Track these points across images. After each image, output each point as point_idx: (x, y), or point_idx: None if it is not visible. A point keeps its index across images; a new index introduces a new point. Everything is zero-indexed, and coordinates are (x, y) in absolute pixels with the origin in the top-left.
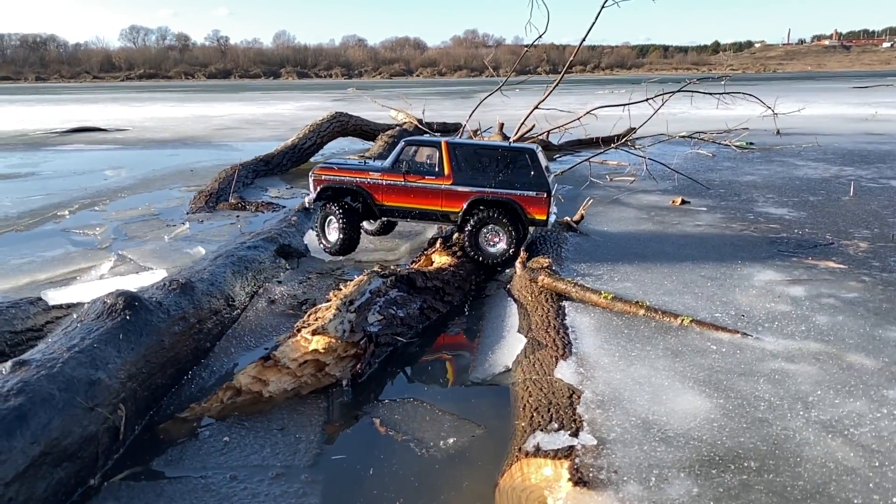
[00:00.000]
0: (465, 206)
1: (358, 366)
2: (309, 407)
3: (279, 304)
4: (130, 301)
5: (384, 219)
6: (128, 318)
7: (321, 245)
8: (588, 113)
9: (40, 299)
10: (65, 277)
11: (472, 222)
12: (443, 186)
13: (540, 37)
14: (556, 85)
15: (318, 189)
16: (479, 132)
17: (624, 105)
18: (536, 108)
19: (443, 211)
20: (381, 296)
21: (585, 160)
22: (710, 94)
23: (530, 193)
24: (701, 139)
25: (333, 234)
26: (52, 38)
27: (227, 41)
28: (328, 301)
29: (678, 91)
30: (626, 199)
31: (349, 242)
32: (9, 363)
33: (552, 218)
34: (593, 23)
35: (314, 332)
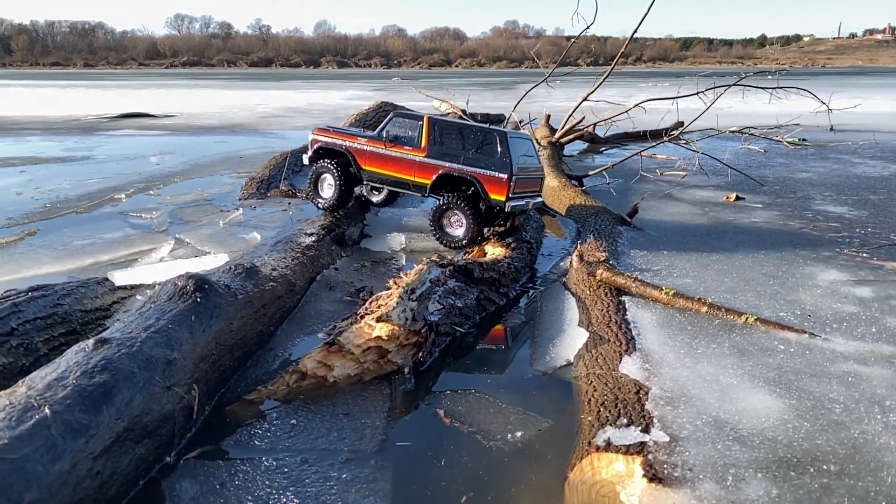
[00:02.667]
0: (433, 178)
1: (419, 354)
2: (372, 393)
3: (337, 291)
4: (201, 284)
5: (369, 184)
6: (198, 300)
7: (315, 202)
8: (637, 106)
9: (107, 279)
10: (126, 259)
11: (435, 207)
12: (417, 158)
13: (587, 28)
14: (606, 77)
15: (314, 149)
16: (522, 123)
17: (673, 98)
18: (585, 100)
19: (415, 181)
20: (440, 285)
21: (635, 154)
22: (764, 88)
23: (492, 173)
24: (752, 135)
25: (327, 191)
26: (101, 25)
27: (269, 30)
28: (388, 289)
29: (734, 84)
30: (679, 193)
31: (341, 198)
32: (91, 341)
33: (518, 203)
34: (644, 15)
35: (378, 320)
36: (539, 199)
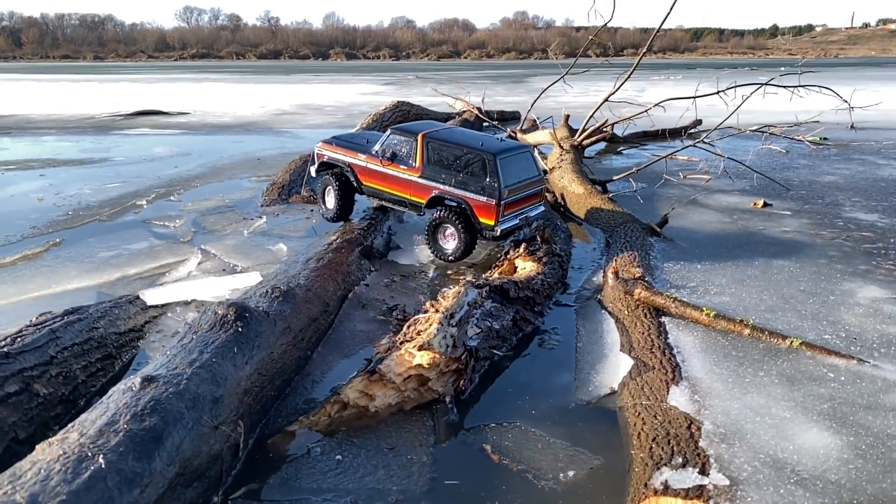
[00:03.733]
0: (427, 199)
1: (461, 382)
2: (415, 425)
3: (369, 309)
4: (241, 312)
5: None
6: (240, 329)
7: (322, 210)
8: (657, 105)
9: (138, 298)
10: (153, 273)
11: (430, 220)
12: (412, 178)
13: (605, 24)
14: (628, 77)
15: (319, 162)
16: (538, 122)
17: (694, 98)
18: (606, 100)
19: (412, 200)
20: (477, 308)
21: (662, 158)
22: (785, 87)
23: (481, 199)
24: (772, 133)
25: (331, 202)
26: (110, 17)
27: (278, 22)
28: (424, 311)
29: (762, 86)
30: (704, 199)
31: (344, 210)
32: (138, 379)
33: (511, 223)
34: (670, 9)
35: (420, 348)
36: (540, 210)
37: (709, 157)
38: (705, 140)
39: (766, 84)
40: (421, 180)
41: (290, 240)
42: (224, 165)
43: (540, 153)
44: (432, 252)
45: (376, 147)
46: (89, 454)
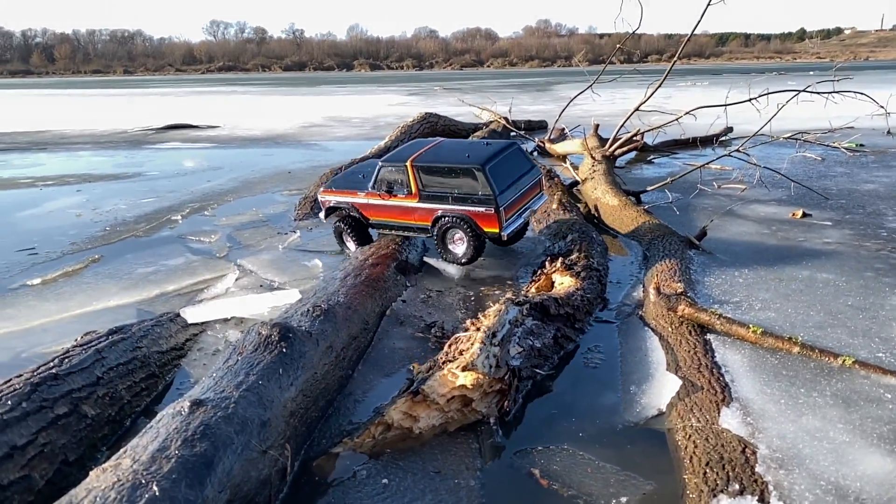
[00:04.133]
0: (431, 221)
1: (505, 403)
2: (460, 447)
3: (407, 326)
4: (285, 333)
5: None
6: (284, 350)
7: (344, 249)
8: (688, 113)
9: (178, 316)
10: (191, 289)
11: (439, 224)
12: (412, 204)
13: (633, 32)
14: (660, 85)
15: (325, 210)
16: (567, 132)
17: (725, 105)
18: (637, 109)
19: (418, 225)
20: (518, 326)
21: (696, 168)
22: (820, 93)
23: (481, 209)
24: (805, 140)
25: (351, 244)
26: (139, 32)
27: (303, 34)
28: (465, 330)
29: (799, 92)
30: (741, 210)
31: (364, 244)
32: (186, 403)
33: (517, 223)
34: (700, 19)
35: (464, 369)
36: (542, 200)
37: (742, 165)
38: (741, 149)
39: (802, 91)
40: (421, 205)
41: (324, 255)
42: (255, 179)
43: (571, 164)
44: (443, 257)
45: (371, 182)
46: (143, 481)
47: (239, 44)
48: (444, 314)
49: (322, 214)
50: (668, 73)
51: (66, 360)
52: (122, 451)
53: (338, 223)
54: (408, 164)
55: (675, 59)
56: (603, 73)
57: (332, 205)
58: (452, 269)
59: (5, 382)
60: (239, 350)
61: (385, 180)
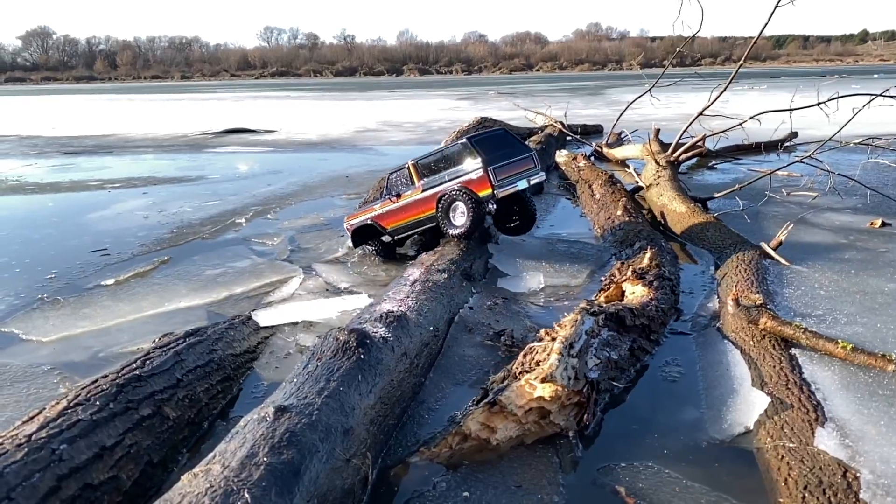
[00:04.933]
0: (434, 205)
1: (585, 416)
2: (539, 460)
3: (476, 334)
4: (362, 339)
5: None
6: (362, 357)
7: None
8: (753, 118)
9: (250, 319)
10: (258, 292)
11: (444, 202)
12: (417, 196)
13: (693, 36)
14: (725, 89)
15: (351, 234)
16: (625, 136)
17: (791, 110)
18: (701, 114)
19: (425, 216)
20: (594, 336)
21: (766, 174)
22: (893, 97)
23: (472, 176)
24: (877, 146)
25: (377, 253)
26: (196, 39)
27: (354, 39)
28: (539, 340)
29: (876, 97)
30: (814, 218)
31: (388, 253)
32: (271, 409)
33: (510, 186)
34: (768, 20)
35: (543, 380)
36: (539, 175)
37: (811, 172)
38: (814, 155)
39: (879, 95)
40: (425, 193)
41: (387, 260)
42: (315, 183)
43: (634, 170)
44: (446, 231)
45: (384, 191)
46: (235, 488)
47: (292, 49)
48: (511, 322)
49: (349, 244)
50: (734, 77)
51: (148, 361)
52: (210, 456)
53: (366, 248)
54: (409, 164)
55: (740, 62)
56: (662, 76)
57: (356, 227)
58: (518, 278)
59: (92, 383)
60: (318, 356)
61: (394, 185)
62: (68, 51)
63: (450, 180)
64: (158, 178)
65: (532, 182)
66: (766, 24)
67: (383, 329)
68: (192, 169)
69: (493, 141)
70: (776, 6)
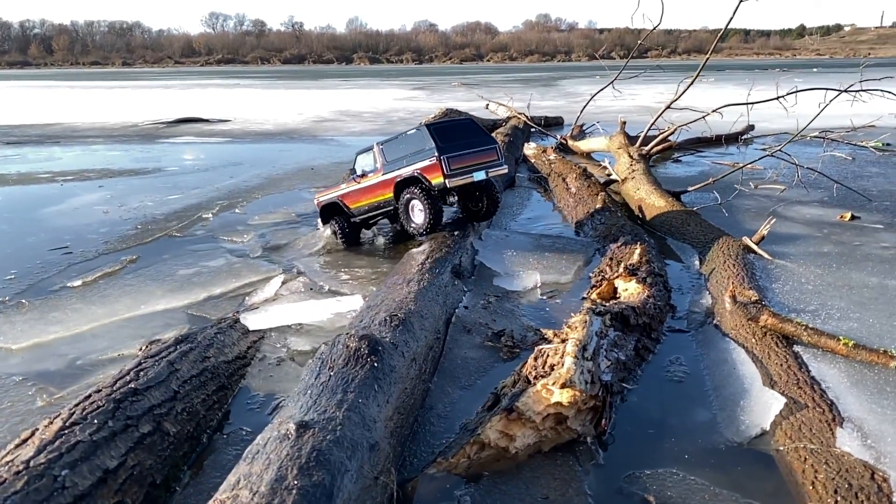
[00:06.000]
0: (392, 188)
1: (603, 421)
2: (560, 469)
3: (474, 334)
4: (374, 346)
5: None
6: (375, 365)
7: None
8: (716, 111)
9: (237, 322)
10: (239, 292)
11: (402, 201)
12: (378, 179)
13: (654, 29)
14: (692, 83)
15: (319, 210)
16: (585, 129)
17: (751, 104)
18: (668, 107)
19: (385, 199)
20: (603, 337)
21: (739, 168)
22: (847, 91)
23: (425, 162)
24: (832, 139)
25: (339, 235)
26: (138, 24)
27: (302, 27)
28: (548, 342)
29: (841, 93)
30: (785, 211)
31: (352, 236)
32: (292, 426)
33: (463, 178)
34: (733, 14)
35: (563, 385)
36: (501, 167)
37: (776, 164)
38: (781, 149)
39: (844, 91)
40: (385, 176)
41: (367, 255)
42: (279, 176)
43: (609, 164)
44: (406, 229)
45: (351, 173)
46: None
47: (238, 36)
48: (508, 321)
49: (319, 221)
50: (701, 70)
51: (142, 372)
52: (233, 480)
53: (333, 224)
54: (374, 145)
55: (707, 55)
56: (623, 69)
57: (323, 204)
58: (506, 276)
59: (86, 398)
60: (328, 364)
61: (360, 166)
62: (0, 34)
63: (407, 166)
64: (113, 171)
65: (492, 173)
66: (732, 18)
67: (389, 333)
68: (148, 161)
69: (455, 130)
70: (740, 2)
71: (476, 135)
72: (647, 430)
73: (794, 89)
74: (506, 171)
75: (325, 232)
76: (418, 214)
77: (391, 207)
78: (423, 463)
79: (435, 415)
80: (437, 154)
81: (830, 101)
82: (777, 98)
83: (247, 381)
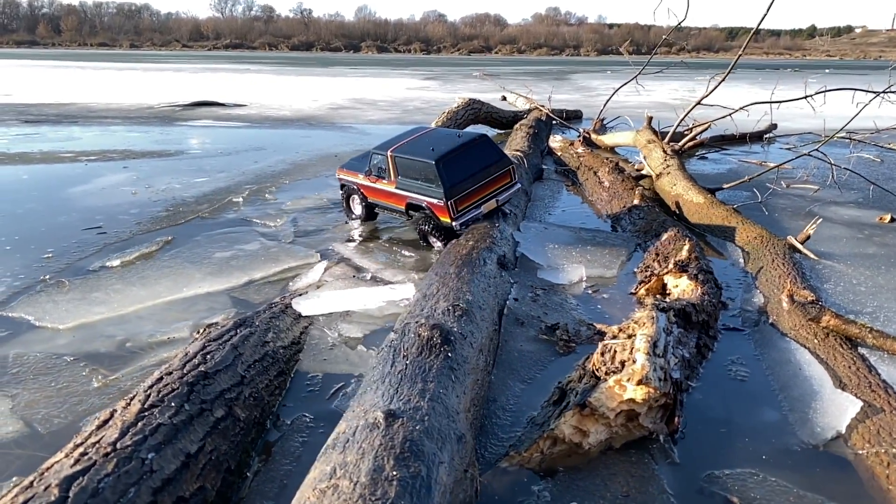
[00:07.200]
0: (404, 205)
1: (676, 419)
2: (636, 467)
3: (528, 327)
4: (446, 335)
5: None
6: (449, 355)
7: (348, 215)
8: (742, 108)
9: (288, 307)
10: (280, 277)
11: (414, 220)
12: (391, 189)
13: (679, 24)
14: (724, 79)
15: (341, 184)
16: (605, 122)
17: (779, 102)
18: (698, 103)
19: (398, 208)
20: (669, 334)
21: (775, 167)
22: (876, 93)
23: (435, 201)
24: (858, 140)
25: (357, 209)
26: (146, 6)
27: (311, 13)
28: (612, 338)
29: (879, 94)
30: (822, 211)
31: (368, 214)
32: (380, 414)
33: (471, 215)
34: (766, 11)
35: (640, 382)
36: (514, 188)
37: (805, 164)
38: (818, 149)
39: (882, 93)
40: (397, 191)
41: (403, 242)
42: (303, 162)
43: (644, 158)
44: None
45: (366, 167)
46: None
47: (246, 21)
48: (560, 315)
49: (351, 205)
50: (732, 67)
51: (208, 356)
52: (328, 469)
53: (347, 189)
54: (388, 154)
55: (740, 52)
56: (648, 63)
57: (343, 182)
58: (548, 268)
59: (158, 380)
60: (402, 353)
61: (375, 166)
62: (9, 13)
63: (417, 193)
64: (135, 152)
65: (503, 199)
66: (766, 15)
67: (454, 323)
68: (169, 143)
69: (468, 157)
70: (772, 1)
71: (489, 156)
72: (719, 430)
73: (823, 89)
74: (519, 188)
75: (358, 223)
76: (432, 239)
77: (403, 215)
78: (493, 456)
79: (499, 407)
80: (444, 198)
81: (868, 102)
82: (805, 97)
83: (300, 366)
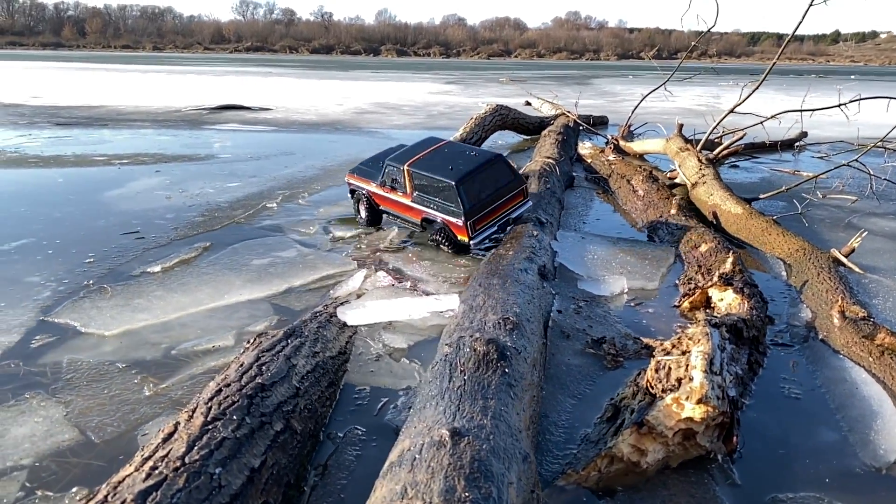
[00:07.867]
0: (420, 219)
1: (734, 438)
2: (696, 487)
3: (573, 340)
4: (502, 350)
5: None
6: (506, 371)
7: (357, 218)
8: (774, 117)
9: (333, 316)
10: (319, 285)
11: (429, 232)
12: (406, 202)
13: (709, 30)
14: (758, 87)
15: (350, 189)
16: (632, 130)
17: (812, 110)
18: (732, 111)
19: (412, 220)
20: (723, 351)
21: (814, 177)
22: None
23: (453, 220)
24: (889, 149)
25: (363, 212)
26: (169, 9)
27: (331, 17)
28: (665, 353)
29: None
30: (862, 223)
31: (373, 219)
32: (446, 432)
33: (488, 233)
34: (802, 17)
35: (698, 401)
36: (526, 206)
37: (839, 173)
38: (858, 159)
39: None
40: (413, 204)
41: (438, 251)
42: (333, 167)
43: (679, 167)
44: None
45: (380, 176)
46: None
47: (267, 24)
48: (605, 328)
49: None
50: (767, 74)
51: (263, 367)
52: (398, 488)
53: (359, 193)
54: (405, 167)
55: (774, 59)
56: (677, 69)
57: (352, 188)
58: (587, 279)
59: (217, 392)
60: (460, 368)
61: (390, 177)
62: (35, 15)
63: (434, 210)
64: (167, 156)
65: (514, 215)
66: (802, 20)
67: (506, 336)
68: (199, 147)
69: (486, 177)
70: (810, 4)
71: (504, 175)
72: (777, 450)
73: (858, 97)
74: (529, 205)
75: (394, 231)
76: (443, 247)
77: (416, 227)
78: (549, 474)
79: (551, 423)
80: (463, 219)
81: None
82: (839, 105)
83: (347, 378)
